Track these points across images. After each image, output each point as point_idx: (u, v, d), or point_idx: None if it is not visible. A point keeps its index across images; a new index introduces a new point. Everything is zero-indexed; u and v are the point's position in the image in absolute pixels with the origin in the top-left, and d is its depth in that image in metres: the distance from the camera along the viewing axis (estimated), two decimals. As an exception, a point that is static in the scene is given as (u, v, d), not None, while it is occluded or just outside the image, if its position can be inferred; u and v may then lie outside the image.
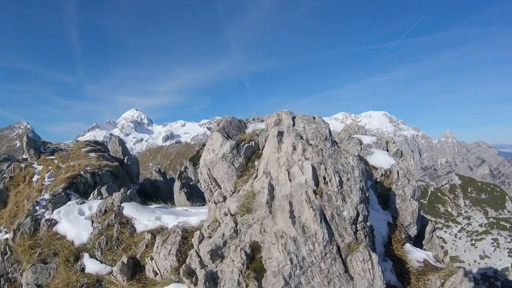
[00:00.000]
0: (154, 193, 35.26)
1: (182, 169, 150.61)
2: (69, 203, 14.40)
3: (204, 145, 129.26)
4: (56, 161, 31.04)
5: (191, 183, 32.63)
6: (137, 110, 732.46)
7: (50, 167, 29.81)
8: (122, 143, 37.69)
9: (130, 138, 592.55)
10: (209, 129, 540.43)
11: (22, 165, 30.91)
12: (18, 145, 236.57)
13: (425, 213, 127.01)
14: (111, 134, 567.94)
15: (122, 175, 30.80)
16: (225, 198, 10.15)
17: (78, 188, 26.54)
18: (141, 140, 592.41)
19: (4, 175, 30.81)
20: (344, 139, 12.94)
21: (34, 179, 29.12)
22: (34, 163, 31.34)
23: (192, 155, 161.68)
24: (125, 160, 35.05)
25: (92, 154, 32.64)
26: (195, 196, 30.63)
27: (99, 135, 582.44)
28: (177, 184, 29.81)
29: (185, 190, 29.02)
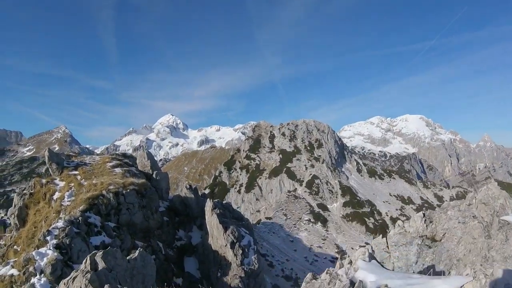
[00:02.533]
0: (185, 211, 32.42)
1: (217, 174, 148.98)
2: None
3: (238, 150, 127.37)
4: (79, 177, 28.63)
5: (224, 201, 29.42)
6: (172, 115, 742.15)
7: (72, 184, 27.40)
8: (150, 156, 34.92)
9: (166, 142, 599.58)
10: (243, 133, 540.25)
11: (43, 180, 28.63)
12: (56, 149, 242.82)
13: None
14: (147, 139, 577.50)
15: (149, 193, 28.03)
16: None
17: (100, 209, 23.89)
18: (177, 144, 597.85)
19: (24, 191, 28.57)
20: (492, 223, 6.34)
21: (55, 196, 26.78)
22: (56, 179, 29.05)
23: (226, 160, 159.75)
24: (154, 175, 32.33)
25: (118, 170, 30.04)
26: (229, 217, 27.58)
27: (135, 139, 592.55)
28: (209, 205, 26.74)
29: (218, 211, 26.01)
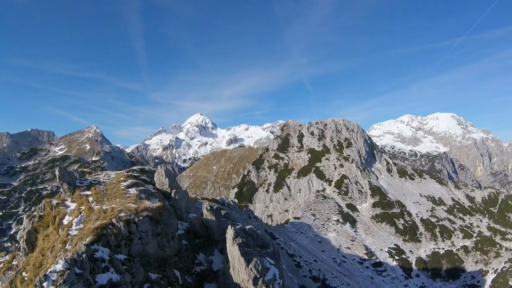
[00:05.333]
0: (205, 232, 29.94)
1: (245, 173, 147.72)
2: None
3: (267, 149, 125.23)
4: (90, 199, 26.57)
5: (247, 227, 26.62)
6: (201, 115, 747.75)
7: (82, 207, 25.34)
8: (169, 174, 32.30)
9: (195, 141, 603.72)
10: (272, 132, 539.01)
11: (54, 202, 26.72)
12: (87, 148, 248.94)
13: (495, 223, 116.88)
14: (177, 138, 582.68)
15: (165, 218, 25.57)
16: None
17: (109, 240, 21.55)
18: (206, 143, 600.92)
19: (34, 213, 26.78)
20: None
21: (64, 221, 24.79)
22: (67, 200, 27.10)
23: (255, 159, 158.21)
24: (172, 194, 29.96)
25: (132, 191, 27.76)
26: (252, 246, 24.80)
27: (165, 138, 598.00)
28: (230, 233, 24.04)
29: (240, 241, 23.34)
